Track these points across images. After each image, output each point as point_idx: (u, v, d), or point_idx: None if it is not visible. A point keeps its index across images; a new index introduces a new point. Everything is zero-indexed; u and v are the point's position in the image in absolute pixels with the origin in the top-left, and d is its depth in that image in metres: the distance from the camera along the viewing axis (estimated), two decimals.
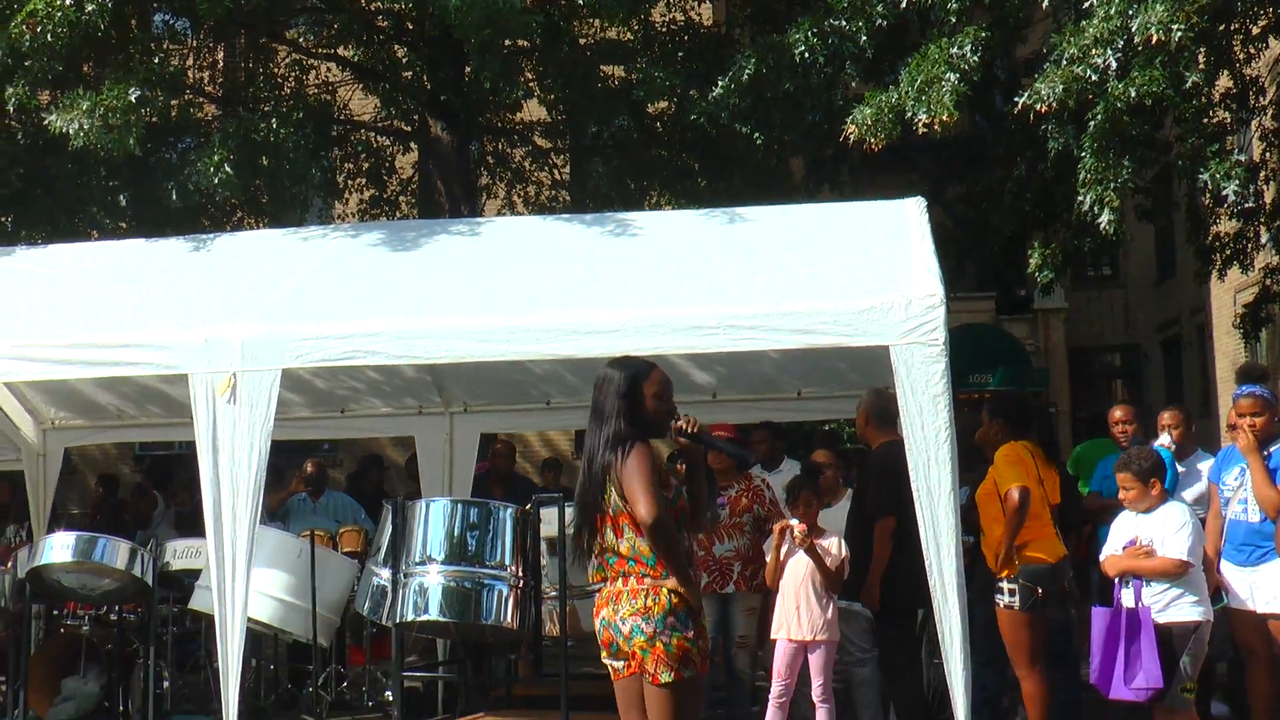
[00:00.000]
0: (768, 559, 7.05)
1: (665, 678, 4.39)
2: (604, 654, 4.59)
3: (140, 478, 13.58)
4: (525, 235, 8.17)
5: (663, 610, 4.41)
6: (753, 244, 7.28)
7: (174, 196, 11.31)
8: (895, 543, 6.75)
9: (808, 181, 14.71)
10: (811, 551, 6.80)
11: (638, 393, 4.57)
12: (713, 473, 7.49)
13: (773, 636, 6.97)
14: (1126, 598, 6.15)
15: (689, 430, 4.71)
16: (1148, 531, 6.19)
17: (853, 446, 14.96)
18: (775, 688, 6.84)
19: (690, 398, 8.73)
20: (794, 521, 6.93)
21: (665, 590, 4.43)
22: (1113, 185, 8.77)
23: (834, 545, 6.90)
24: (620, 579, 4.51)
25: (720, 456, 7.17)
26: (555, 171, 16.56)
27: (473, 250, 7.72)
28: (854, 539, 7.03)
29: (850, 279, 6.41)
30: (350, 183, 15.82)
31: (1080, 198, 8.93)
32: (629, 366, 4.67)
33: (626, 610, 4.46)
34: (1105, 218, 8.79)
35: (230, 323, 6.72)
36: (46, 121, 9.30)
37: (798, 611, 6.81)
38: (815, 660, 6.81)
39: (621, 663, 4.51)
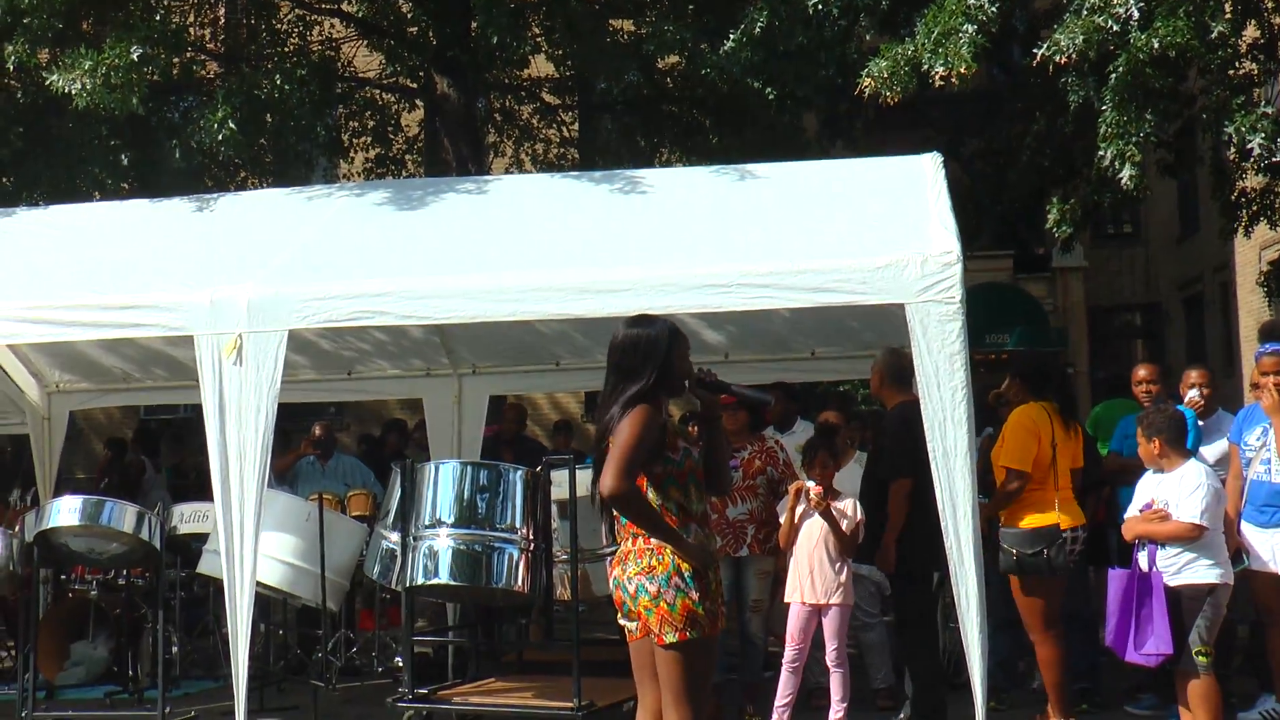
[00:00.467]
0: (781, 521, 7.08)
1: (670, 638, 4.42)
2: (618, 615, 4.62)
3: (129, 445, 13.63)
4: (534, 193, 8.16)
5: (666, 570, 4.43)
6: (765, 201, 7.27)
7: (177, 156, 11.31)
8: (911, 505, 6.77)
9: (821, 138, 14.65)
10: (827, 514, 6.83)
11: (671, 355, 4.57)
12: (726, 435, 7.52)
13: (786, 600, 7.01)
14: (1142, 561, 6.17)
15: (707, 379, 4.71)
16: (1164, 494, 6.19)
17: (867, 408, 15.00)
18: (788, 652, 6.88)
19: (702, 358, 8.69)
20: (810, 483, 6.95)
21: (669, 550, 4.44)
22: (1134, 139, 8.70)
23: (849, 507, 6.92)
24: (630, 539, 4.53)
25: (733, 418, 7.18)
26: (564, 128, 16.52)
27: (481, 209, 7.71)
28: (868, 501, 7.05)
29: (865, 236, 6.40)
30: (355, 141, 15.80)
31: (1101, 152, 8.87)
32: (662, 325, 4.64)
33: (633, 570, 4.49)
34: (1127, 173, 8.74)
35: (235, 283, 6.73)
36: (48, 81, 9.28)
37: (811, 575, 6.85)
38: (829, 624, 6.85)
39: (633, 624, 4.54)
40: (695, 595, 4.43)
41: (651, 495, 4.49)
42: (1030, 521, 6.61)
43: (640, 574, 4.46)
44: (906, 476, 6.75)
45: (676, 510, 4.51)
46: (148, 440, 14.17)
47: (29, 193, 12.00)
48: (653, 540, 4.46)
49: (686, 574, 4.43)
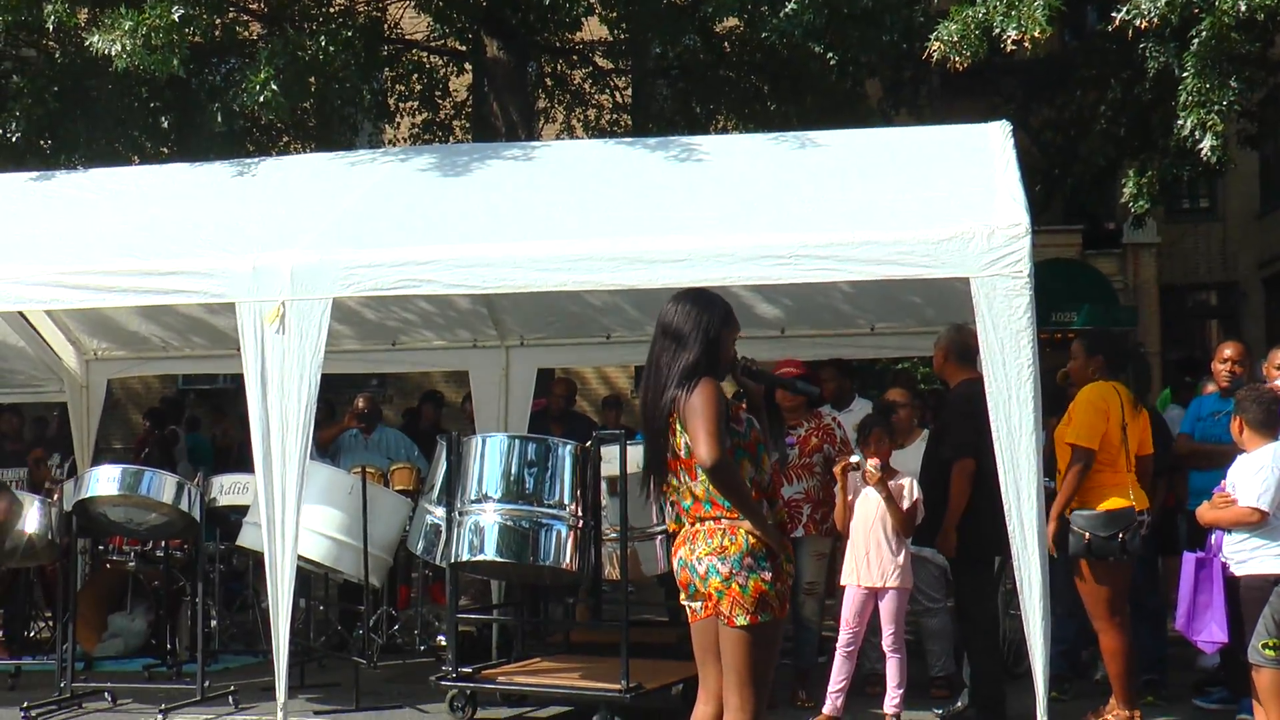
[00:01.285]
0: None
1: (741, 620, 4.44)
2: (682, 595, 4.66)
3: (148, 422, 13.80)
4: (585, 160, 8.17)
5: (739, 551, 4.45)
6: (825, 170, 7.24)
7: (218, 119, 11.38)
8: (973, 486, 6.74)
9: (884, 105, 14.52)
10: (884, 490, 6.79)
11: (723, 335, 4.59)
12: (780, 412, 7.51)
13: (841, 583, 7.01)
14: (1213, 547, 6.14)
15: (752, 369, 4.74)
16: (1235, 477, 6.13)
17: (927, 387, 14.93)
18: (842, 636, 6.88)
19: (757, 333, 8.74)
20: (856, 458, 6.93)
21: (742, 530, 4.46)
22: (1217, 108, 8.59)
23: (907, 486, 6.90)
24: (696, 520, 4.55)
25: (790, 394, 7.17)
26: (617, 94, 16.48)
27: (530, 176, 7.73)
28: (929, 482, 7.03)
29: (929, 207, 6.36)
30: (402, 105, 15.84)
31: (1180, 122, 8.77)
32: (718, 304, 4.64)
33: (703, 550, 4.51)
34: (1207, 143, 8.63)
35: (279, 250, 6.79)
36: (87, 42, 9.36)
37: (868, 557, 6.84)
38: (886, 608, 6.84)
39: (699, 604, 4.56)
40: (768, 576, 4.45)
41: None
42: (1107, 504, 6.55)
43: (711, 554, 4.48)
44: (969, 457, 6.73)
45: (750, 484, 4.54)
46: (170, 412, 14.31)
47: (67, 156, 12.11)
48: (723, 520, 4.48)
49: (760, 554, 4.45)
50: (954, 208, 6.28)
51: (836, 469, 7.07)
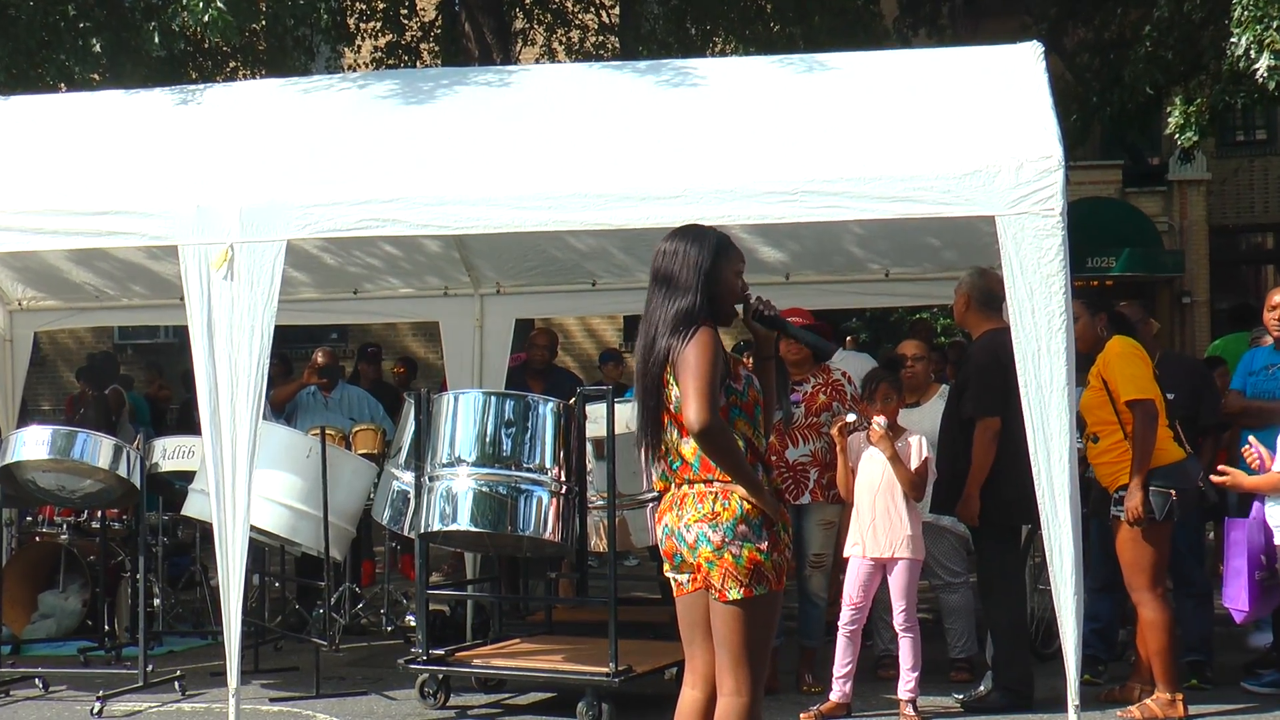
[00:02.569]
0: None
1: (734, 594, 4.45)
2: (666, 566, 4.67)
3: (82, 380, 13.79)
4: (568, 87, 8.15)
5: (733, 517, 4.45)
6: (836, 97, 7.24)
7: (155, 41, 11.32)
8: (999, 447, 6.79)
9: (901, 25, 14.53)
10: (888, 448, 6.81)
11: (720, 269, 4.58)
12: (785, 366, 7.55)
13: (845, 554, 7.05)
14: (1257, 511, 6.23)
15: (765, 313, 4.74)
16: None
17: (947, 340, 14.98)
18: (845, 614, 6.90)
19: (760, 278, 8.75)
20: (858, 418, 6.94)
21: (736, 496, 4.47)
22: (1276, 23, 8.58)
23: (915, 445, 6.94)
24: (685, 482, 4.56)
25: (795, 346, 7.21)
26: (603, 13, 16.44)
27: (507, 104, 7.71)
28: (949, 442, 7.08)
29: (950, 138, 6.38)
30: (363, 26, 15.79)
31: (1234, 41, 8.77)
32: (709, 235, 4.65)
33: (692, 516, 4.51)
34: (1264, 64, 8.63)
35: (226, 187, 6.79)
36: None
37: (874, 525, 6.86)
38: (896, 582, 6.88)
39: (685, 576, 4.58)
40: (764, 545, 4.46)
41: None
42: (1170, 458, 6.62)
43: (701, 521, 4.49)
44: (994, 415, 6.77)
45: (745, 447, 4.55)
46: (109, 369, 14.28)
47: None
48: (714, 483, 4.50)
49: (755, 521, 4.46)
50: (978, 138, 6.30)
51: (833, 429, 7.08)
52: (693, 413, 4.36)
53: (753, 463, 4.56)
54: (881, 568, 6.91)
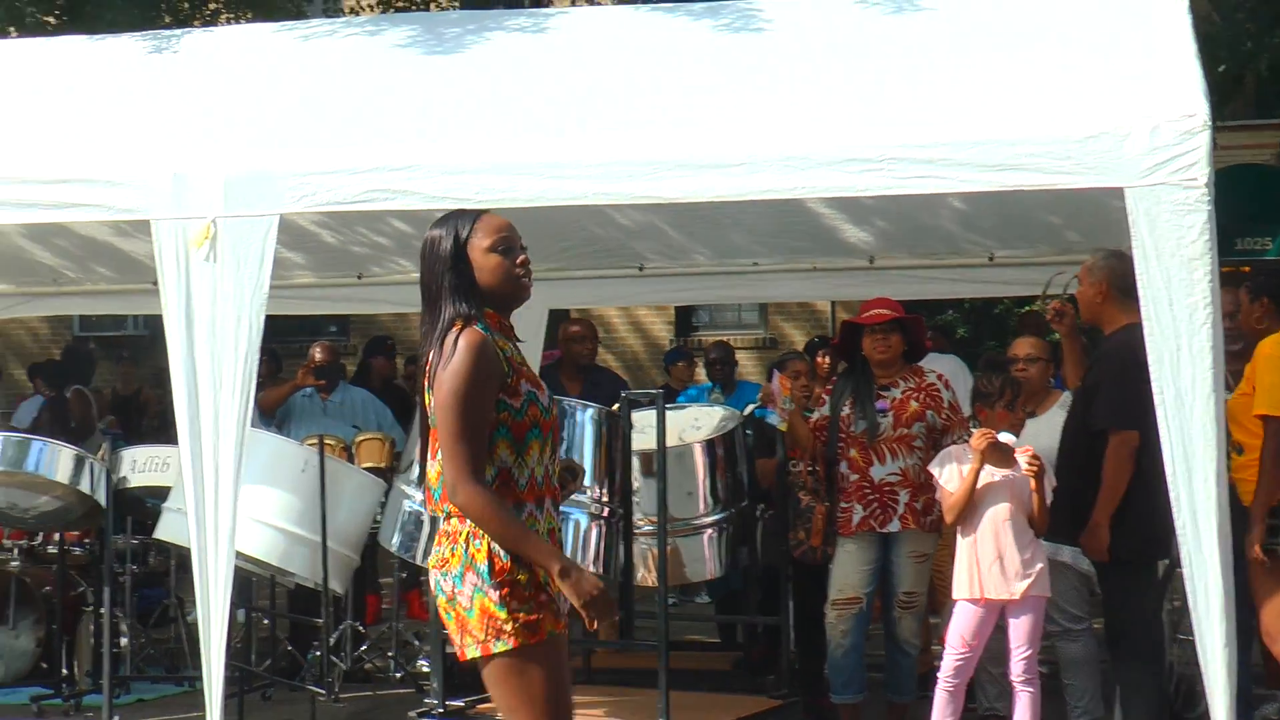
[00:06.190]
0: (942, 484, 7.04)
1: (471, 652, 4.37)
2: None
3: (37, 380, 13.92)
4: (611, 33, 8.18)
5: (460, 563, 4.36)
6: (930, 44, 7.23)
7: None
8: (1136, 466, 6.72)
9: None
10: (1039, 478, 6.77)
11: (464, 257, 4.48)
12: (869, 366, 7.54)
13: (955, 596, 7.01)
14: None
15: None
16: None
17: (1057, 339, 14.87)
18: (949, 662, 6.85)
19: (841, 262, 8.77)
20: (1004, 435, 6.90)
21: (476, 540, 4.35)
22: None
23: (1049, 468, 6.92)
24: (442, 516, 4.49)
25: (884, 342, 7.19)
26: None
27: (538, 54, 7.75)
28: (1070, 459, 7.03)
29: (1070, 93, 6.35)
30: None
31: None
32: (451, 219, 4.57)
33: (432, 559, 4.50)
34: None
35: (207, 152, 6.83)
36: None
37: (1000, 561, 6.80)
38: (1020, 627, 6.81)
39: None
40: (495, 597, 4.31)
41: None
42: None
43: (436, 567, 4.46)
44: (1132, 428, 6.65)
45: (494, 478, 4.39)
46: (74, 366, 14.39)
47: None
48: (452, 519, 4.41)
49: (481, 568, 4.33)
50: (1103, 93, 6.26)
51: (973, 447, 6.94)
52: (448, 475, 4.33)
53: (517, 501, 4.42)
54: (998, 610, 6.88)
